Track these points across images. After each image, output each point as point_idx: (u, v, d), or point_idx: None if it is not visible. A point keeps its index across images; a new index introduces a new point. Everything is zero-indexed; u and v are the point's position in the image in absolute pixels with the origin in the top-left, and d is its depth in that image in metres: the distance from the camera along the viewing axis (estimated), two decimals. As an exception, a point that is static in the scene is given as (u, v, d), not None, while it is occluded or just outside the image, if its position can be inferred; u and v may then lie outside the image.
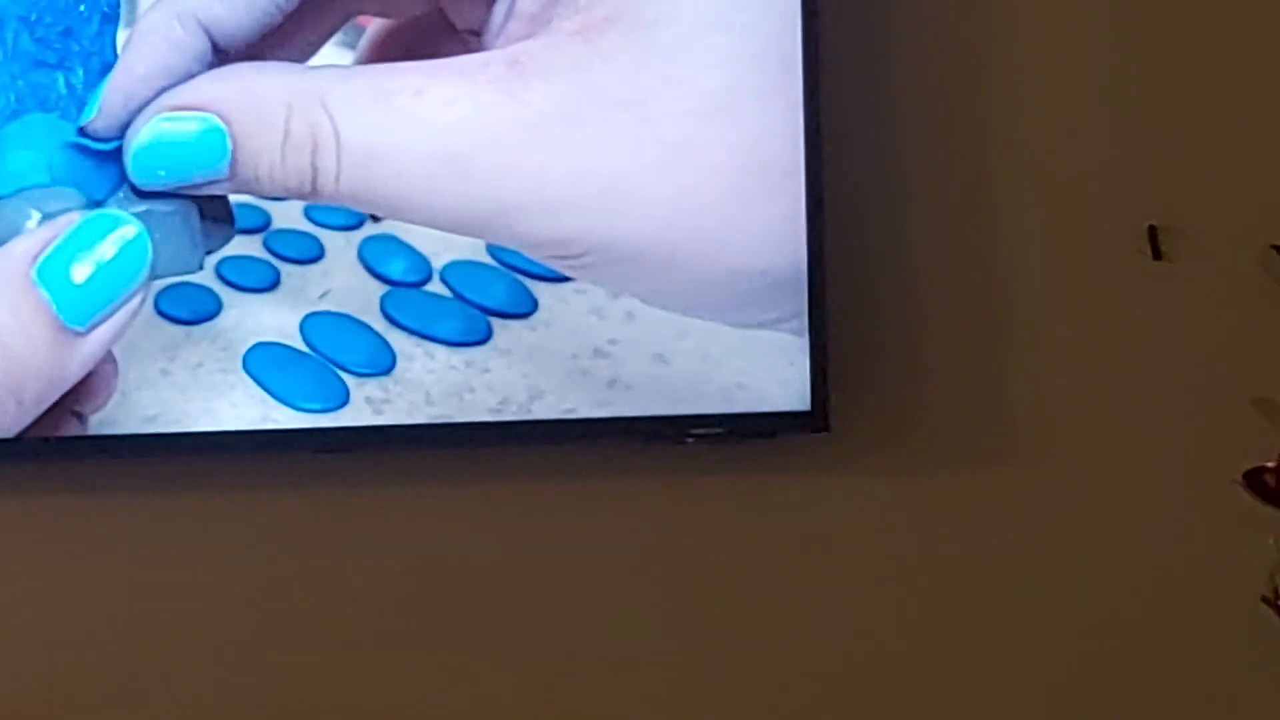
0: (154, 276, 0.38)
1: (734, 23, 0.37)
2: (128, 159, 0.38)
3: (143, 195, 0.38)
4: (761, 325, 0.43)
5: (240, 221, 0.44)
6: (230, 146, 0.37)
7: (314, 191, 0.37)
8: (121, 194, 0.38)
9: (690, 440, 0.50)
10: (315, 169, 0.36)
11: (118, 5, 0.40)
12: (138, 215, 0.37)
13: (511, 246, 0.39)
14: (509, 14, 0.38)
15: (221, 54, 0.38)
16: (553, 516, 0.54)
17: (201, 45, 0.37)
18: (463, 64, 0.37)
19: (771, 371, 0.50)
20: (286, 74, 0.38)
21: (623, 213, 0.36)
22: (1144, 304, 0.56)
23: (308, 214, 0.53)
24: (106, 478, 0.52)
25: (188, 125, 0.37)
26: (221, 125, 0.37)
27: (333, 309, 0.51)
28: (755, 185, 0.38)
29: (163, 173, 0.37)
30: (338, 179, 0.36)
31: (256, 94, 0.37)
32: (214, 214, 0.40)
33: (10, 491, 0.51)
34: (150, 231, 0.37)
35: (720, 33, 0.37)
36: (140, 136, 0.37)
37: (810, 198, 0.46)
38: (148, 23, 0.39)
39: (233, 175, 0.37)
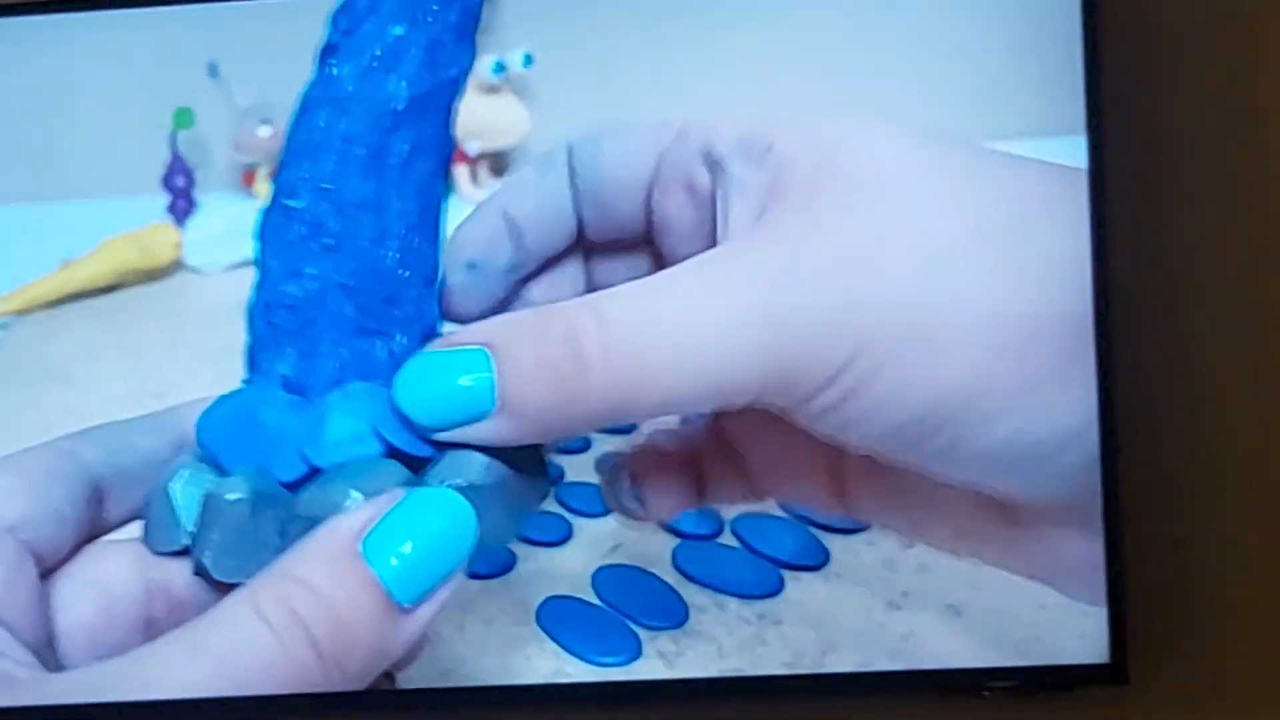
0: (477, 550, 0.38)
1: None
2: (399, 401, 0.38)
3: (460, 469, 0.38)
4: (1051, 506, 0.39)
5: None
6: (494, 366, 0.36)
7: (585, 388, 0.35)
8: (443, 465, 0.38)
9: (987, 693, 0.49)
10: (581, 358, 0.35)
11: (437, 267, 0.42)
12: (461, 489, 0.37)
13: (778, 400, 0.36)
14: (725, 228, 0.39)
15: None
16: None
17: None
18: (697, 257, 0.37)
19: (1068, 623, 0.49)
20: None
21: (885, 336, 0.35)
22: None
23: (598, 467, 0.54)
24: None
25: (451, 355, 0.38)
26: (484, 349, 0.37)
27: (625, 562, 0.52)
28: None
29: (435, 411, 0.38)
30: (607, 358, 0.35)
31: (512, 317, 0.38)
32: (529, 469, 0.40)
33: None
34: (475, 507, 0.37)
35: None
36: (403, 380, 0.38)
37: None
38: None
39: (502, 404, 0.36)
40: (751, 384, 0.35)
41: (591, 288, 0.44)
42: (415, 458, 0.39)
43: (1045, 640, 0.49)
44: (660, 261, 0.42)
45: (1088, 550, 0.40)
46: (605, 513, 0.53)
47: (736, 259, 0.36)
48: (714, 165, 0.39)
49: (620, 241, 0.43)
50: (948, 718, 0.52)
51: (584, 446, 0.58)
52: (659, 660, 0.49)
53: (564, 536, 0.52)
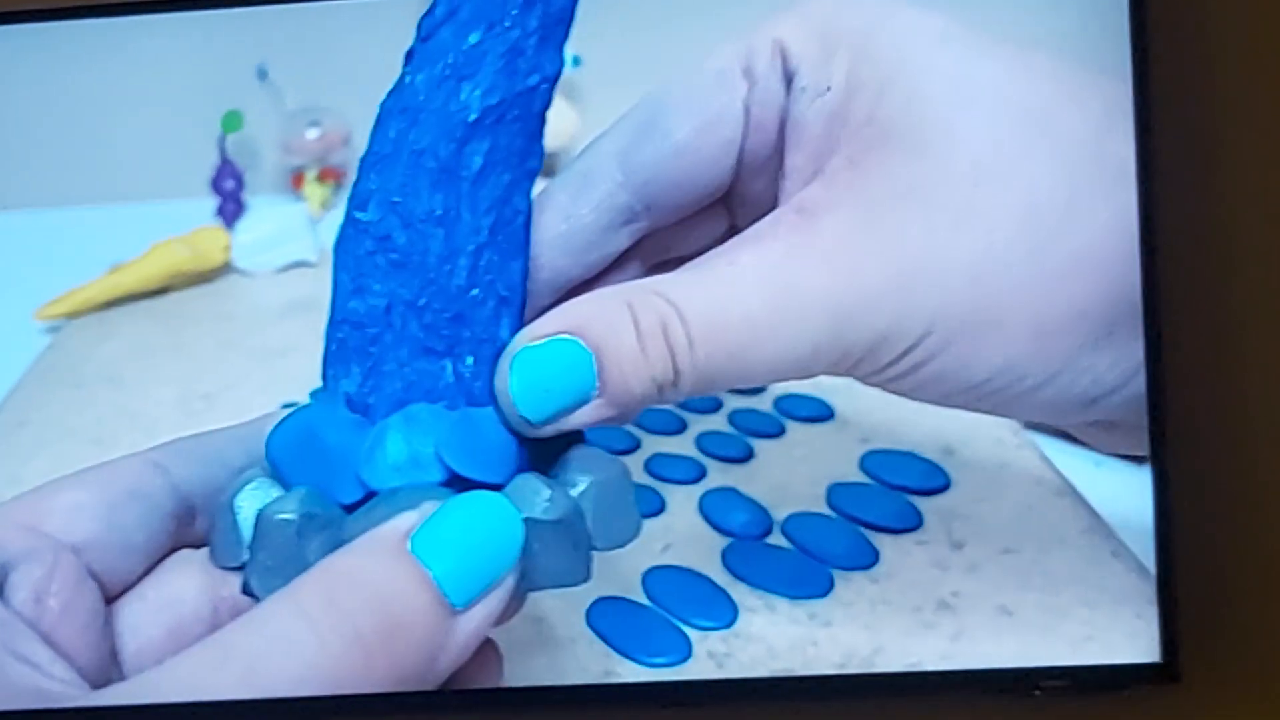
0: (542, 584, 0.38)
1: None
2: (505, 400, 0.39)
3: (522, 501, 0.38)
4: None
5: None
6: (594, 356, 0.38)
7: (676, 374, 0.38)
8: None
9: (1038, 693, 0.49)
10: (672, 348, 0.38)
11: (518, 288, 0.41)
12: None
13: (852, 371, 0.39)
14: (784, 179, 0.41)
15: None
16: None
17: None
18: (758, 229, 0.39)
19: (1119, 622, 0.49)
20: (611, 288, 0.40)
21: (940, 288, 0.37)
22: None
23: (649, 468, 0.55)
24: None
25: (550, 349, 0.38)
26: (579, 339, 0.38)
27: (675, 563, 0.52)
28: None
29: (540, 403, 0.38)
30: (692, 348, 0.37)
31: (596, 306, 0.39)
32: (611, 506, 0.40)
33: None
34: (534, 541, 0.37)
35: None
36: (508, 371, 0.39)
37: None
38: None
39: (603, 389, 0.38)
40: (820, 366, 0.38)
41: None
42: (475, 484, 0.38)
43: (1097, 640, 0.48)
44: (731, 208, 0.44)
45: None
46: (657, 513, 0.53)
47: (800, 240, 0.38)
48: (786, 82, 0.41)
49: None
50: (998, 718, 0.52)
51: (634, 447, 0.58)
52: (709, 661, 0.49)
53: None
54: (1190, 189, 0.55)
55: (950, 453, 0.57)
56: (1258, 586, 0.54)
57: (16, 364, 0.70)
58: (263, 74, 0.81)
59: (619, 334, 0.38)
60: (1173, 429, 0.49)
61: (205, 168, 0.81)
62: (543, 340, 0.38)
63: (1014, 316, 0.37)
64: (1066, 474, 0.56)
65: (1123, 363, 0.39)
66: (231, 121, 0.83)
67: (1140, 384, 0.40)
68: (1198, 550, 0.52)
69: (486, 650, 0.42)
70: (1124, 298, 0.39)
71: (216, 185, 0.82)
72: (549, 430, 0.39)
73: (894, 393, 0.40)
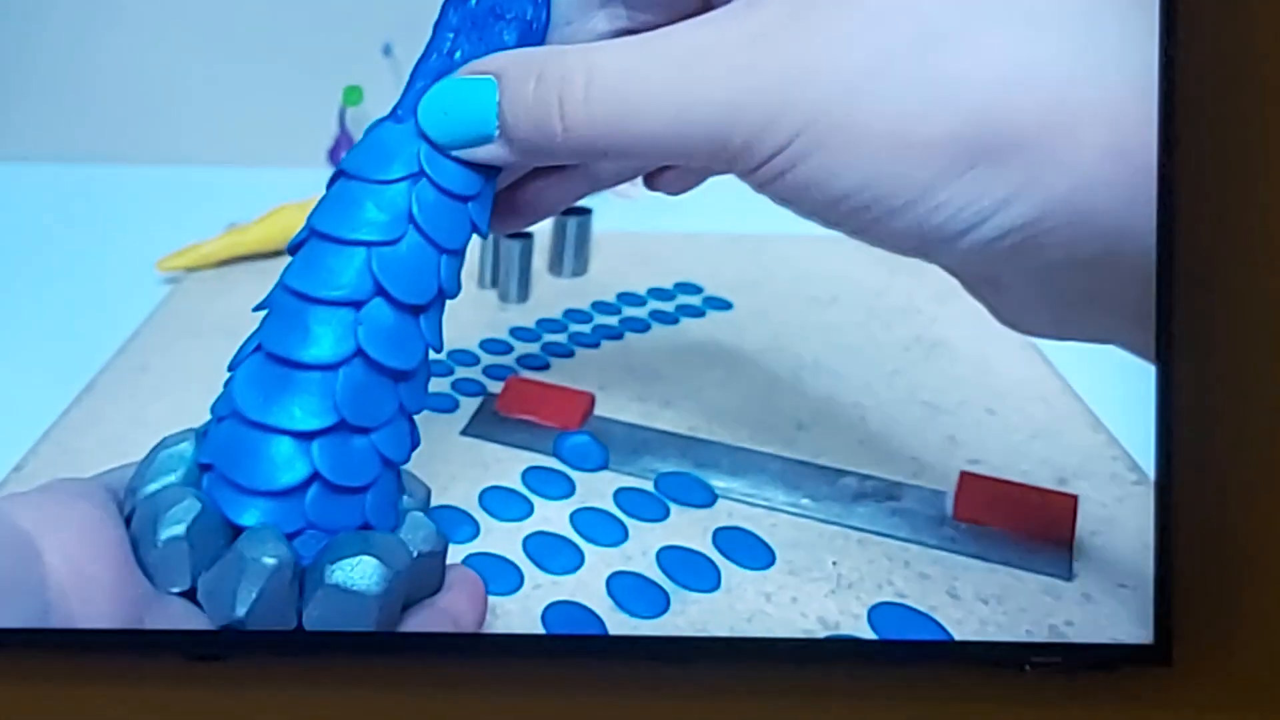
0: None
1: None
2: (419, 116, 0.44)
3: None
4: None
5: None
6: (498, 97, 0.43)
7: (564, 125, 0.42)
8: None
9: (1028, 669, 0.51)
10: (562, 100, 0.41)
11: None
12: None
13: (730, 165, 0.42)
14: None
15: None
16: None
17: None
18: (710, 15, 0.42)
19: (1111, 604, 0.51)
20: (548, 47, 0.45)
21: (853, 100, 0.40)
22: None
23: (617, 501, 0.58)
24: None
25: (467, 84, 0.43)
26: (493, 80, 0.43)
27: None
28: None
29: (446, 130, 0.43)
30: (585, 103, 0.41)
31: (520, 57, 0.43)
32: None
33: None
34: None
35: None
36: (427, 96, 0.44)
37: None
38: None
39: (501, 129, 0.43)
40: (703, 146, 0.41)
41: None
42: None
43: (1090, 623, 0.50)
44: None
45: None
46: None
47: (715, 34, 0.41)
48: None
49: None
50: (989, 692, 0.54)
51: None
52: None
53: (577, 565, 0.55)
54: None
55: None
56: (1254, 573, 0.55)
57: (138, 310, 0.75)
58: (388, 50, 0.85)
59: (524, 80, 0.42)
60: (1176, 435, 0.51)
61: (325, 138, 0.86)
62: (466, 76, 0.44)
63: (879, 132, 0.40)
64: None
65: (981, 200, 0.40)
66: (352, 95, 0.87)
67: (999, 230, 0.41)
68: (1196, 523, 0.54)
69: (473, 584, 0.48)
70: (989, 132, 0.39)
71: (334, 156, 0.87)
72: (460, 155, 0.44)
73: (774, 200, 0.43)
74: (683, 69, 0.41)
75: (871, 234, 0.42)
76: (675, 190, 0.51)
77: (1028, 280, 0.43)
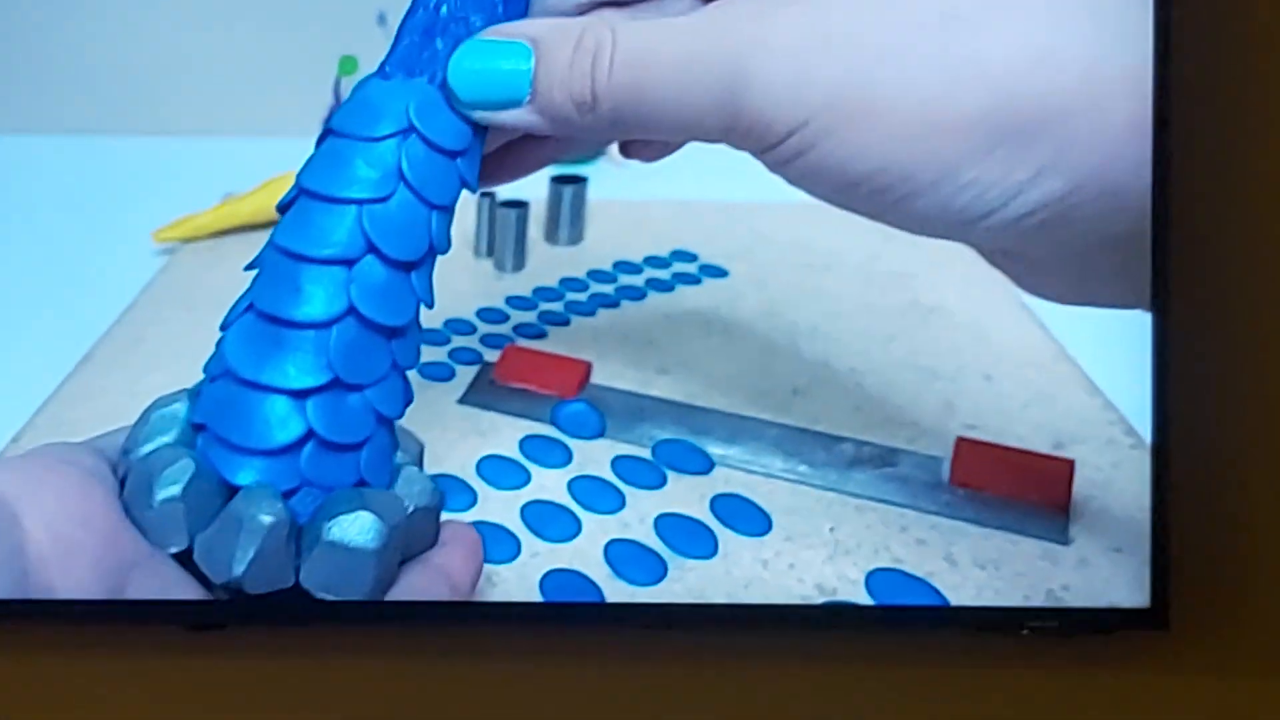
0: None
1: None
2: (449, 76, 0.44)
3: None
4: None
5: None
6: (533, 64, 0.43)
7: (594, 97, 0.42)
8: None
9: (1025, 633, 0.51)
10: (594, 72, 0.42)
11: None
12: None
13: (744, 143, 0.42)
14: None
15: None
16: (881, 703, 0.55)
17: None
18: (701, 11, 0.43)
19: (1108, 568, 0.51)
20: (582, 18, 0.45)
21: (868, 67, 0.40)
22: None
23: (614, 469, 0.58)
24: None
25: (502, 45, 0.43)
26: (529, 45, 0.43)
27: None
28: None
29: (476, 89, 0.43)
30: (610, 77, 0.42)
31: (557, 24, 0.44)
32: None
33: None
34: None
35: None
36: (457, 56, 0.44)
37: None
38: None
39: (534, 96, 0.43)
40: (718, 123, 0.41)
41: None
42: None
43: (1088, 587, 0.51)
44: None
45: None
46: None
47: (730, 8, 0.42)
48: None
49: None
50: (986, 656, 0.54)
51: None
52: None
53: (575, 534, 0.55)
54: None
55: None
56: (1251, 539, 0.55)
57: (134, 281, 0.75)
58: (382, 19, 0.85)
59: (561, 49, 0.43)
60: (1172, 400, 0.51)
61: (320, 109, 0.86)
62: (500, 38, 0.44)
63: (901, 113, 0.40)
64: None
65: (1009, 178, 0.40)
66: (347, 65, 0.87)
67: (1027, 207, 0.41)
68: (1192, 487, 0.54)
69: (469, 540, 0.48)
70: (1015, 111, 0.39)
71: (329, 125, 0.87)
72: (480, 118, 0.44)
73: (791, 181, 0.43)
74: (695, 37, 0.41)
75: (892, 216, 0.42)
76: (648, 158, 0.51)
77: (1051, 252, 0.43)
